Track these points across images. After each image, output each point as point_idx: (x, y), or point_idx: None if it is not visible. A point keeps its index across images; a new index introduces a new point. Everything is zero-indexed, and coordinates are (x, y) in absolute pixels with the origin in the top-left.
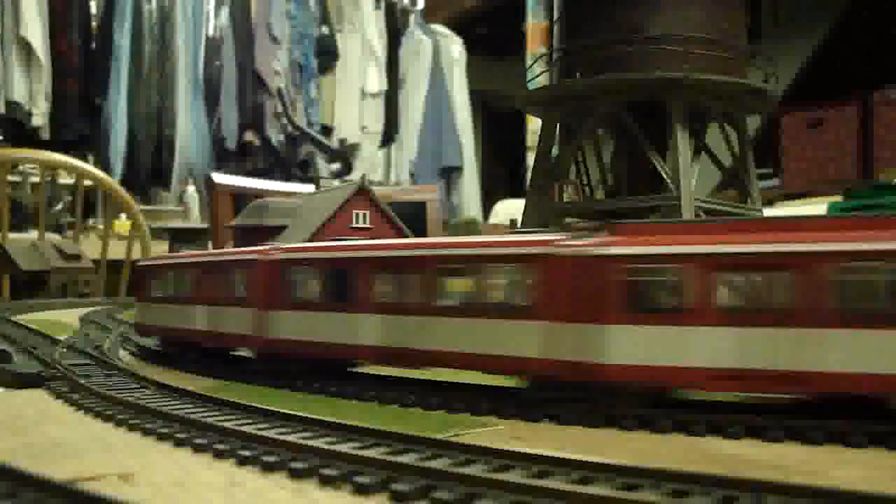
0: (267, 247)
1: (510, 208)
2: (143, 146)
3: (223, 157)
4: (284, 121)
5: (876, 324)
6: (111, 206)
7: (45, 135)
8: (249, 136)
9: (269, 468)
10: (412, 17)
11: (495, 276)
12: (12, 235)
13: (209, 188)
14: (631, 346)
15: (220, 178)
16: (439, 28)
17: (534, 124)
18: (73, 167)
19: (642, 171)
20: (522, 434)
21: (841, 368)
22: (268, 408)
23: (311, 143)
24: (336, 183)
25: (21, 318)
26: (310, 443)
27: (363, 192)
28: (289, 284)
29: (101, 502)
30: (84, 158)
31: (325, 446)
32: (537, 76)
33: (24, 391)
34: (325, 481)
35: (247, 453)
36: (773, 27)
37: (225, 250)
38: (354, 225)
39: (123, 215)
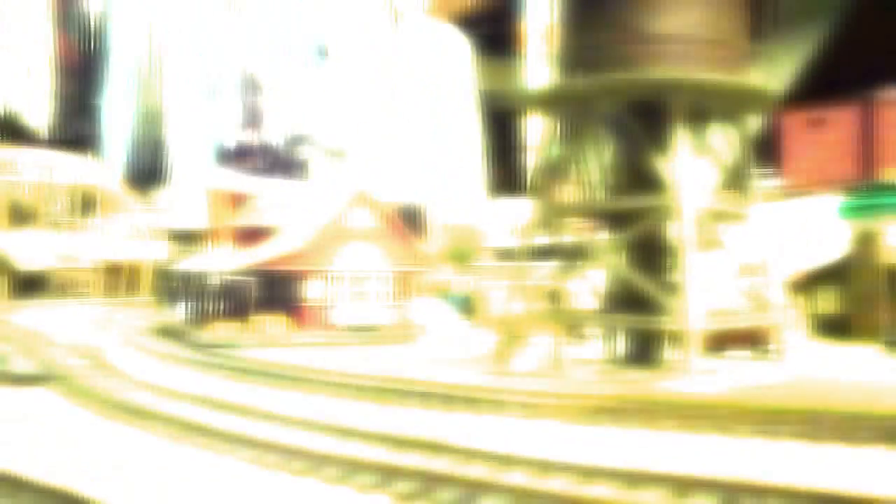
0: None
1: (510, 208)
2: (143, 146)
3: (223, 158)
4: (284, 121)
5: None
6: (110, 206)
7: (45, 134)
8: (249, 136)
9: (269, 468)
10: (412, 17)
11: None
12: (11, 235)
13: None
14: None
15: (219, 178)
16: (439, 28)
17: (534, 124)
18: (71, 167)
19: (643, 170)
20: (522, 434)
21: None
22: (267, 408)
23: (310, 143)
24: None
25: (20, 318)
26: (310, 443)
27: (363, 193)
28: None
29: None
30: (83, 158)
31: (325, 447)
32: (538, 76)
33: (24, 391)
34: (326, 481)
35: (247, 454)
36: (773, 27)
37: None
38: (354, 225)
39: (122, 215)
